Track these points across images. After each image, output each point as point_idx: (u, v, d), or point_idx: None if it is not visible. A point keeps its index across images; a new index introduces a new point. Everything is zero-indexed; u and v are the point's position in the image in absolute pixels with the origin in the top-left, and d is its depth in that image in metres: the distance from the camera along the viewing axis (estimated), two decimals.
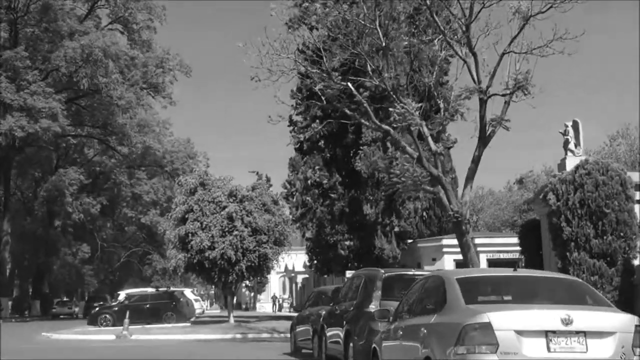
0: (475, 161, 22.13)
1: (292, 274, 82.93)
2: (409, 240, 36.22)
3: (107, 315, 33.44)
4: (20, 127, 42.83)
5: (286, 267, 74.72)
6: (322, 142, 36.76)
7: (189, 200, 32.99)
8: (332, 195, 35.33)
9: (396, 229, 35.04)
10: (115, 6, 52.40)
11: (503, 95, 21.72)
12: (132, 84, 51.03)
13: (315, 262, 38.62)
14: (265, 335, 28.00)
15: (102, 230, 74.54)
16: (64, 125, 45.62)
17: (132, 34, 54.20)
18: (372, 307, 11.26)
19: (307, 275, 77.66)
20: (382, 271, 11.90)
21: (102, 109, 52.64)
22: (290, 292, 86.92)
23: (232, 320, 34.05)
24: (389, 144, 33.08)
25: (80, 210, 65.76)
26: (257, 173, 34.62)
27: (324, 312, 15.54)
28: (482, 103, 21.49)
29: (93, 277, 77.97)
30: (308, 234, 37.74)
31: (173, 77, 55.35)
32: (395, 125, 21.58)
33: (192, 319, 39.06)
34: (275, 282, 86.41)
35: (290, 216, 35.14)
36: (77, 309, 65.81)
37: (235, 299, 37.59)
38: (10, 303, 63.92)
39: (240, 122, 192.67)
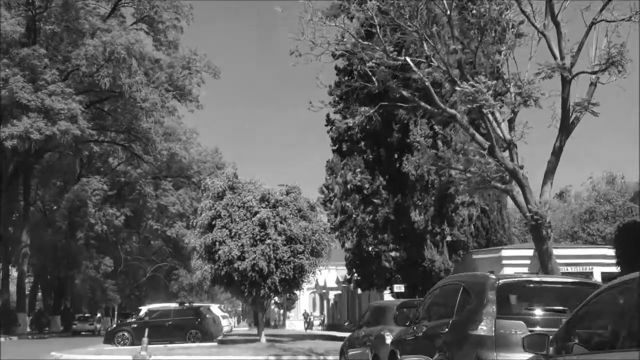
0: (556, 153, 18.58)
1: (324, 290, 79.31)
2: (462, 252, 32.38)
3: (125, 333, 30.16)
4: (37, 129, 39.97)
5: (317, 283, 71.11)
6: (363, 143, 33.34)
7: (216, 205, 29.74)
8: (375, 200, 31.80)
9: (448, 238, 31.34)
10: (140, 4, 49.56)
11: (592, 73, 18.14)
12: (157, 86, 48.11)
13: (355, 275, 34.95)
14: (302, 358, 24.48)
15: (126, 242, 71.69)
16: (84, 128, 42.68)
17: (158, 34, 51.34)
18: (482, 328, 7.72)
19: (339, 292, 74.02)
20: (494, 276, 8.30)
21: (126, 112, 49.81)
22: (321, 309, 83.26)
23: (263, 339, 30.59)
24: (440, 143, 29.54)
25: (103, 221, 62.97)
26: (287, 186, 31.07)
27: (387, 333, 12.03)
28: (566, 83, 17.97)
29: (116, 292, 74.82)
30: (347, 244, 34.13)
31: (200, 79, 52.32)
32: (461, 109, 18.12)
33: (219, 338, 35.70)
34: (305, 299, 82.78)
35: (329, 224, 31.56)
36: (99, 326, 62.82)
37: (264, 316, 34.00)
38: (29, 318, 61.15)
39: (270, 134, 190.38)
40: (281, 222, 29.35)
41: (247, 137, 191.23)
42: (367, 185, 32.20)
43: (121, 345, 29.78)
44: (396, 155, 31.58)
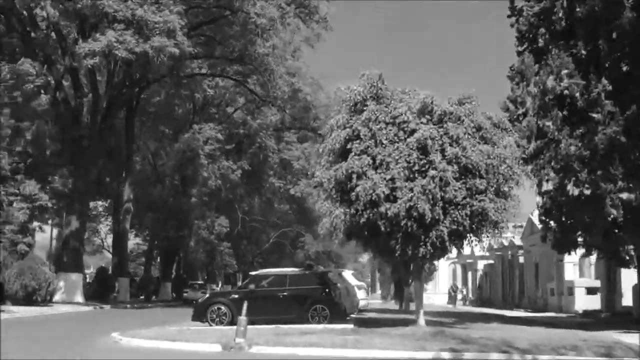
0: None
1: (469, 260, 68.61)
2: None
3: (222, 307, 21.23)
4: (122, 42, 31.76)
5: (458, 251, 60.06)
6: (571, 34, 22.52)
7: (353, 121, 20.21)
8: (594, 116, 21.04)
9: None
10: None
11: None
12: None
13: (553, 228, 24.27)
14: (498, 357, 14.63)
15: (244, 201, 63.71)
16: (184, 48, 34.14)
17: None
18: None
19: (491, 261, 63.16)
20: None
21: (238, 35, 40.94)
22: (464, 282, 72.54)
23: (422, 320, 20.87)
24: None
25: (217, 175, 55.18)
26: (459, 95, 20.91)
27: None
28: None
29: (233, 257, 67.15)
30: (546, 185, 23.54)
31: None
32: None
33: (353, 315, 26.39)
34: (443, 271, 72.32)
35: (518, 152, 21.14)
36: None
37: (421, 288, 23.87)
38: (134, 284, 54.62)
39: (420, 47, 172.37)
40: (451, 145, 19.48)
41: (390, 53, 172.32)
42: (577, 95, 21.53)
43: (216, 323, 21.01)
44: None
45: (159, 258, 68.75)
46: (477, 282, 67.63)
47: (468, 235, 20.27)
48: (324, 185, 20.63)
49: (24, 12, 37.52)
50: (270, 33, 39.86)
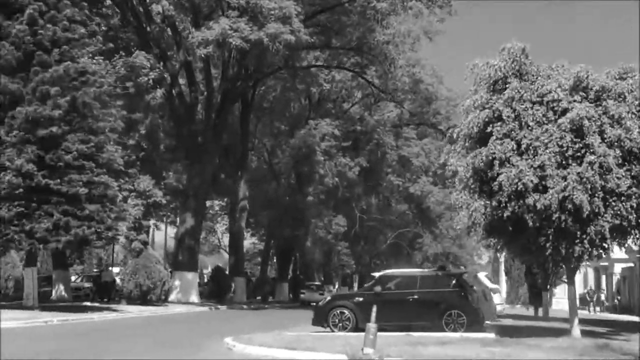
0: None
1: (603, 263, 63.53)
2: None
3: (345, 311, 19.14)
4: (236, 30, 30.44)
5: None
6: None
7: (493, 101, 17.75)
8: None
9: None
10: None
11: None
12: None
13: None
14: None
15: (362, 200, 61.61)
16: (300, 35, 32.50)
17: None
18: None
19: (630, 264, 58.18)
20: None
21: (356, 23, 38.98)
22: (597, 287, 67.40)
23: (577, 331, 18.06)
24: None
25: (334, 172, 53.34)
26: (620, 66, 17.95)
27: None
28: None
29: (350, 257, 65.10)
30: None
31: None
32: None
33: (489, 322, 23.69)
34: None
35: None
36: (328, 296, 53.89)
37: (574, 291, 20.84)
38: (250, 284, 53.67)
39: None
40: (612, 126, 16.70)
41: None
42: None
43: (338, 329, 18.95)
44: None
45: (274, 258, 67.98)
46: (615, 287, 62.65)
47: (633, 231, 17.36)
48: (459, 174, 18.24)
49: (140, 8, 37.13)
50: (390, 19, 37.68)
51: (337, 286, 76.35)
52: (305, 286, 53.64)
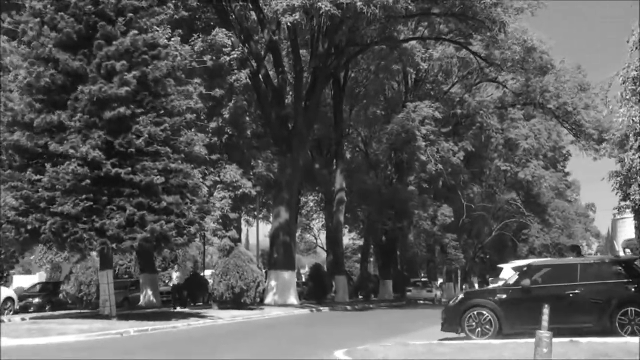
0: None
1: None
2: None
3: (484, 312, 14.84)
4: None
5: None
6: None
7: None
8: None
9: None
10: None
11: None
12: None
13: None
14: None
15: (466, 187, 56.71)
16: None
17: None
18: None
19: None
20: None
21: None
22: None
23: None
24: None
25: (437, 158, 48.77)
26: None
27: None
28: None
29: (459, 250, 60.10)
30: None
31: None
32: None
33: None
34: None
35: None
36: (439, 293, 49.33)
37: None
38: (352, 283, 49.85)
39: None
40: None
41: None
42: None
43: (477, 335, 14.70)
44: None
45: (374, 254, 63.96)
46: None
47: None
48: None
49: None
50: None
51: (440, 282, 71.40)
52: (411, 283, 49.36)
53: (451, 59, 49.54)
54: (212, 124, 28.34)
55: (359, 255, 63.28)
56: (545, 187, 61.05)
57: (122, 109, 20.55)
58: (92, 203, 20.41)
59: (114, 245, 20.67)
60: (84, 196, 20.31)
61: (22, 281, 44.74)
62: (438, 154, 49.31)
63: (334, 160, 43.58)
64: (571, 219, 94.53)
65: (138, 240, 20.52)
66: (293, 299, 33.86)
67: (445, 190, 53.22)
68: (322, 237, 67.22)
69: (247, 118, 30.72)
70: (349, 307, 35.95)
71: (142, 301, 35.40)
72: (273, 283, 33.63)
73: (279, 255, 34.34)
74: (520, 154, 58.62)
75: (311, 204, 64.43)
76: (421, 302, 46.84)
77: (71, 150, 20.19)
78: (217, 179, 28.81)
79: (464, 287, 63.24)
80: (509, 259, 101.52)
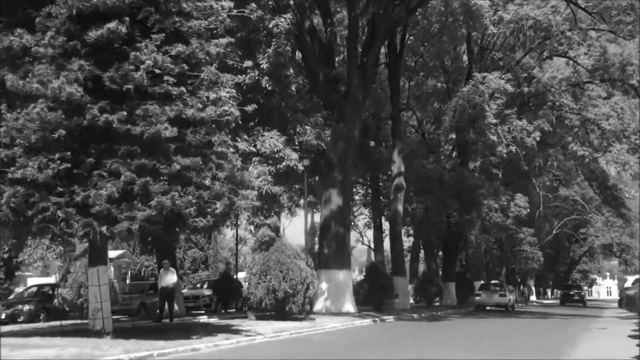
0: None
1: None
2: None
3: None
4: None
5: None
6: None
7: None
8: None
9: None
10: None
11: None
12: None
13: None
14: None
15: (542, 173, 49.27)
16: None
17: None
18: None
19: None
20: None
21: None
22: None
23: None
24: None
25: (508, 139, 41.52)
26: None
27: None
28: None
29: (535, 247, 52.39)
30: None
31: None
32: None
33: None
34: None
35: None
36: (512, 298, 42.03)
37: None
38: (411, 286, 42.84)
39: None
40: None
41: None
42: None
43: None
44: None
45: (425, 253, 56.92)
46: None
47: None
48: None
49: None
50: None
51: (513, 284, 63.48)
52: (482, 286, 42.08)
53: (526, 20, 42.25)
54: (246, 77, 21.48)
55: (423, 252, 56.07)
56: (630, 175, 53.22)
57: (111, 25, 13.91)
58: (69, 166, 13.83)
59: (103, 229, 13.98)
60: (57, 155, 13.76)
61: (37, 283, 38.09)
62: (510, 134, 42.14)
63: (392, 139, 36.69)
64: (634, 217, 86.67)
65: (139, 221, 13.87)
66: (349, 306, 27.01)
67: (517, 176, 45.82)
68: (369, 234, 60.07)
69: (292, 70, 23.85)
70: (415, 316, 29.08)
71: None
72: (324, 286, 26.79)
73: (331, 250, 27.45)
74: (599, 136, 51.18)
75: (356, 197, 57.32)
76: (489, 308, 39.74)
77: (36, 86, 13.58)
78: (253, 149, 22.04)
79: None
80: (561, 265, 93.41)
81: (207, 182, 14.95)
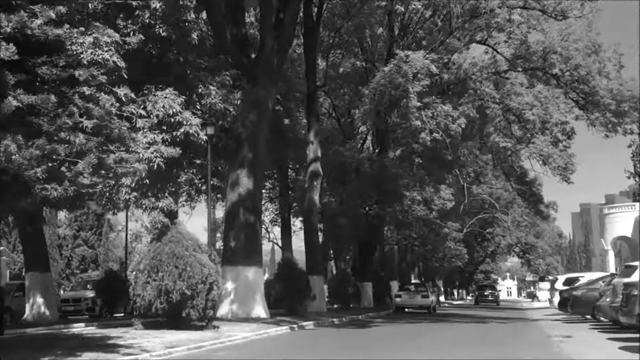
0: None
1: None
2: None
3: None
4: None
5: None
6: None
7: None
8: None
9: None
10: None
11: None
12: None
13: None
14: None
15: (466, 165, 46.15)
16: None
17: None
18: None
19: None
20: None
21: None
22: None
23: None
24: None
25: (432, 125, 38.01)
26: None
27: None
28: None
29: (460, 244, 49.22)
30: None
31: None
32: None
33: None
34: None
35: None
36: (433, 299, 38.56)
37: None
38: (326, 287, 38.66)
39: None
40: None
41: None
42: None
43: None
44: None
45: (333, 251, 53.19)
46: None
47: None
48: None
49: None
50: None
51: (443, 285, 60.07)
52: (402, 287, 38.40)
53: None
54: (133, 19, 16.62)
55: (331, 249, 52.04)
56: (553, 169, 51.04)
57: None
58: None
59: None
60: None
61: None
62: (435, 119, 38.67)
63: (307, 119, 32.49)
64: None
65: None
66: (260, 310, 22.47)
67: (436, 167, 42.44)
68: (276, 231, 55.44)
69: (193, 14, 19.09)
70: (336, 321, 24.91)
71: (28, 313, 24.11)
72: (230, 285, 22.13)
73: (239, 243, 22.83)
74: (521, 127, 48.64)
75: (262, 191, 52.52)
76: (409, 310, 36.13)
77: None
78: (142, 111, 17.14)
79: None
80: (473, 259, 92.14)
81: (64, 130, 10.14)
